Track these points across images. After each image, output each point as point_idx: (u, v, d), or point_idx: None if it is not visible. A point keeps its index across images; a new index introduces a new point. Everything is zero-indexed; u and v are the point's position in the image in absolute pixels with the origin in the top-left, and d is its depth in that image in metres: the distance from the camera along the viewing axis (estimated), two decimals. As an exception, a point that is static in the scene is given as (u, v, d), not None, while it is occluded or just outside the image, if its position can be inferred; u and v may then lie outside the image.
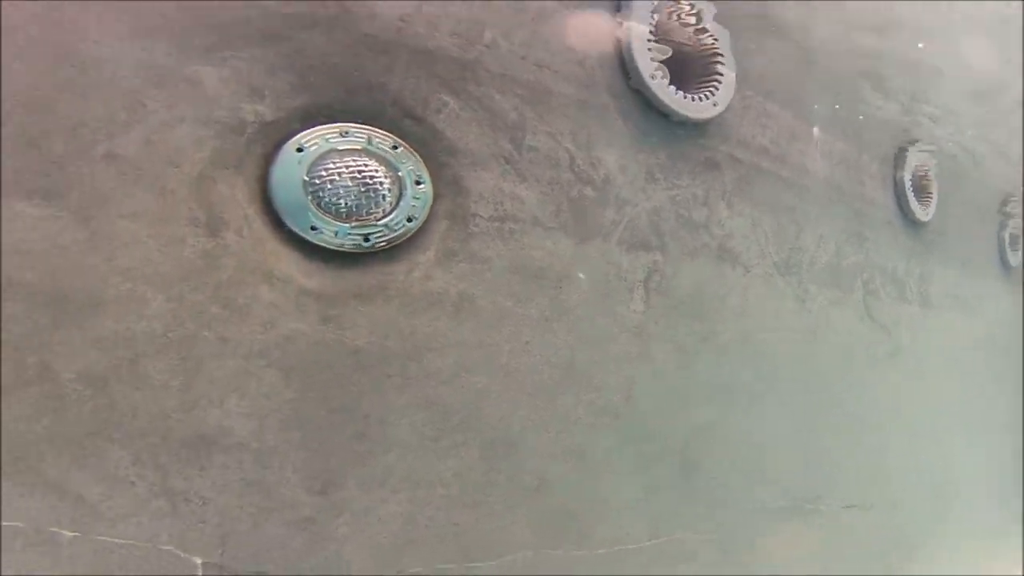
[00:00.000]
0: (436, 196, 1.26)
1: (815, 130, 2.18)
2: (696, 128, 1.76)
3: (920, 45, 2.05)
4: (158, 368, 0.95)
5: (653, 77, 1.56)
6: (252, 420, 1.03)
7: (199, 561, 0.97)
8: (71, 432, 0.89)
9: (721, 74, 1.73)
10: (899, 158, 2.69)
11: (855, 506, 2.30)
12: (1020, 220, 3.60)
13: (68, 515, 0.88)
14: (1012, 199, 3.55)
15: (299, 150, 1.10)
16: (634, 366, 1.59)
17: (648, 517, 1.58)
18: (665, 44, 1.59)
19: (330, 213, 1.13)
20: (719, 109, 1.74)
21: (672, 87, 1.61)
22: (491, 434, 1.31)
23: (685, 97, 1.65)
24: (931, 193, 2.82)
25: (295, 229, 1.09)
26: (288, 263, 1.09)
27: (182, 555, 0.95)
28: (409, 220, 1.21)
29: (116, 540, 0.91)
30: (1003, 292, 3.63)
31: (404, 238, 1.21)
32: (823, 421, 2.19)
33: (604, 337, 1.53)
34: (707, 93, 1.69)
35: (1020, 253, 3.71)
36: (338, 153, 1.14)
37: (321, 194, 1.12)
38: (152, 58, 0.97)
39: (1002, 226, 3.57)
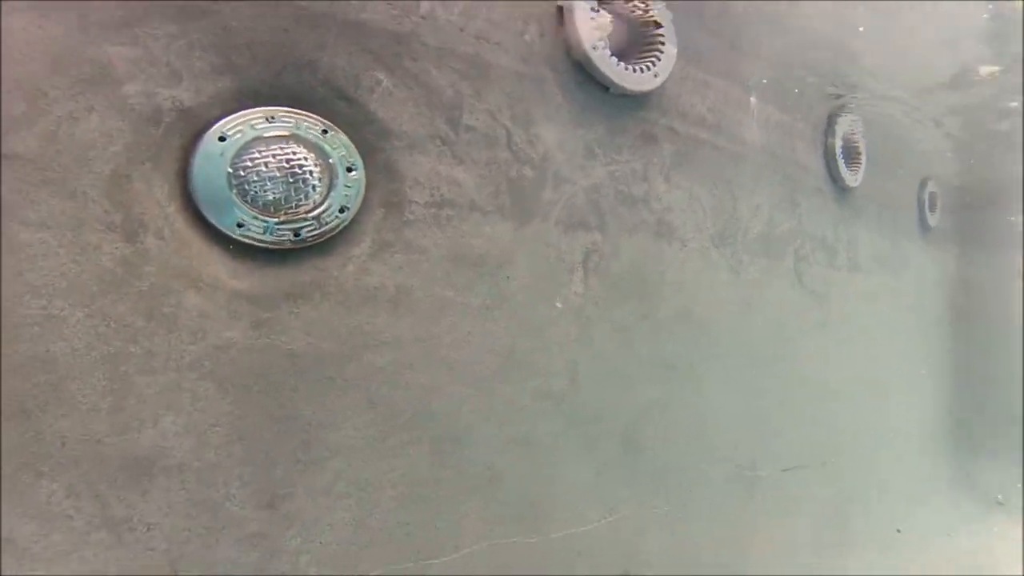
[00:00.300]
0: (369, 183, 1.39)
1: (752, 98, 2.50)
2: (636, 101, 1.99)
3: (860, 29, 2.41)
4: (84, 390, 1.03)
5: (595, 48, 1.76)
6: (190, 437, 1.14)
7: (148, 589, 1.08)
8: (-8, 467, 0.96)
9: (663, 45, 1.95)
10: (830, 124, 3.14)
11: (792, 468, 2.78)
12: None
13: (-4, 557, 0.96)
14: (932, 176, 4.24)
15: (221, 139, 1.18)
16: (576, 349, 1.84)
17: (599, 498, 1.87)
18: (608, 13, 1.78)
19: (257, 207, 1.23)
20: (660, 81, 1.97)
21: (613, 59, 1.81)
22: (438, 430, 1.50)
23: (627, 69, 1.86)
24: (860, 159, 3.32)
25: (220, 227, 1.19)
26: (215, 265, 1.18)
27: (129, 585, 1.06)
28: (342, 211, 1.34)
29: (55, 579, 1.00)
30: (924, 253, 4.35)
31: (337, 231, 1.34)
32: (760, 390, 2.60)
33: (545, 322, 1.76)
34: (648, 64, 1.92)
35: (938, 214, 4.45)
36: (264, 141, 1.23)
37: (247, 187, 1.21)
38: (49, 37, 1.00)
39: (921, 188, 4.25)
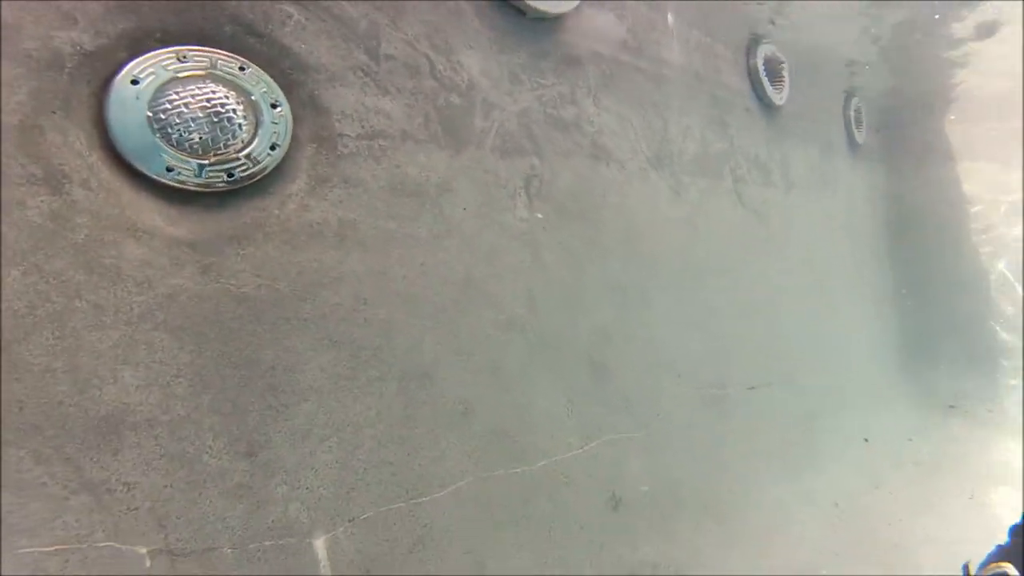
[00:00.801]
0: (296, 119, 1.43)
1: (669, 17, 2.65)
2: (554, 24, 2.09)
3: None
4: (34, 352, 1.04)
5: (503, -32, 1.84)
6: (154, 391, 1.16)
7: (144, 551, 1.11)
8: (-53, 437, 0.96)
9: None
10: (751, 47, 3.34)
11: (757, 387, 2.98)
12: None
13: (-31, 530, 0.97)
14: (856, 93, 4.55)
15: (134, 82, 1.20)
16: (530, 275, 1.93)
17: (575, 425, 1.98)
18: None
19: (184, 151, 1.25)
20: (575, 3, 2.08)
21: (524, -22, 1.90)
22: (403, 365, 1.56)
23: (538, -11, 1.95)
24: (783, 77, 3.54)
25: (149, 173, 1.21)
26: (150, 212, 1.20)
27: (123, 548, 1.09)
28: (272, 148, 1.38)
29: (43, 550, 1.01)
30: (854, 170, 4.69)
31: (270, 168, 1.37)
32: (714, 309, 2.78)
33: (495, 249, 1.84)
34: (559, -17, 2.02)
35: (864, 131, 4.79)
36: (180, 82, 1.26)
37: (170, 130, 1.24)
38: (-73, -15, 1.00)
39: (847, 104, 4.57)
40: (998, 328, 5.03)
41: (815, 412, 3.40)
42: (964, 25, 3.70)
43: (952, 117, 5.04)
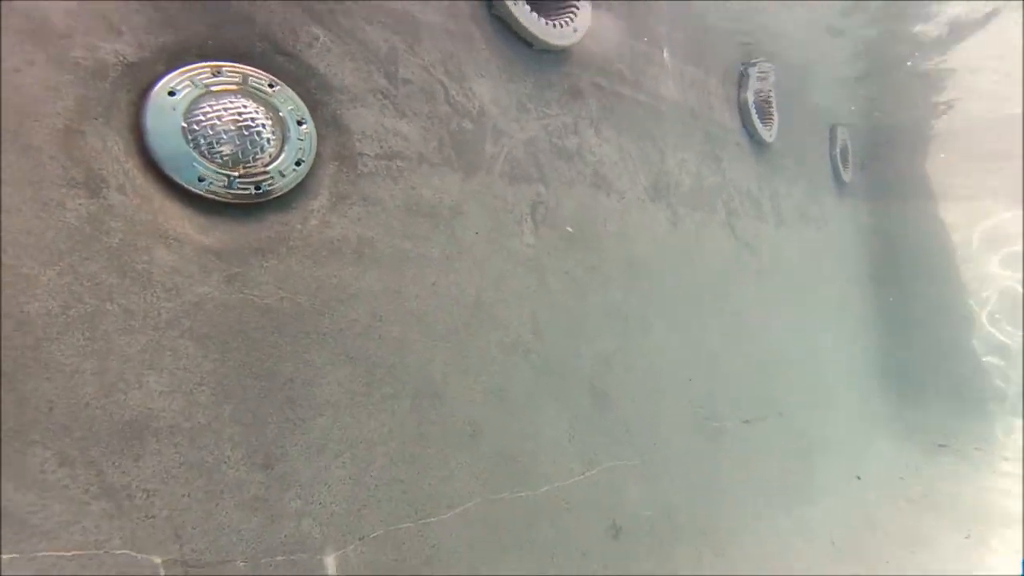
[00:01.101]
0: (320, 137, 1.51)
1: (664, 52, 2.82)
2: (558, 56, 2.22)
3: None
4: (65, 352, 1.08)
5: (515, 3, 1.97)
6: (177, 397, 1.20)
7: (158, 560, 1.13)
8: (-22, 435, 0.99)
9: (577, 3, 2.20)
10: (742, 79, 3.55)
11: (753, 420, 3.07)
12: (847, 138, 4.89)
13: (-6, 530, 0.99)
14: (840, 126, 4.83)
15: (171, 94, 1.27)
16: (535, 300, 2.01)
17: (576, 451, 2.03)
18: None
19: (215, 162, 1.32)
20: (579, 36, 2.22)
21: (534, 14, 2.03)
22: (415, 383, 1.62)
23: (546, 23, 2.09)
24: (772, 115, 3.75)
25: (182, 182, 1.27)
26: (181, 220, 1.26)
27: (139, 557, 1.11)
28: (298, 164, 1.45)
29: (61, 554, 1.04)
30: (841, 207, 4.92)
31: (294, 184, 1.44)
32: (708, 340, 2.88)
33: (503, 273, 1.92)
34: (566, 20, 2.16)
35: (851, 170, 5.05)
36: (214, 95, 1.33)
37: (202, 141, 1.30)
38: (-16, -7, 1.07)
39: (832, 144, 4.83)
40: (986, 365, 5.22)
41: (808, 447, 3.50)
42: (941, 62, 3.97)
43: (942, 155, 5.32)
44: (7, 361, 1.03)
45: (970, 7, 3.22)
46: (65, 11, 1.15)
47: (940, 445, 5.12)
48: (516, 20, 2.01)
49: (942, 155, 5.29)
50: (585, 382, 2.15)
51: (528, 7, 2.05)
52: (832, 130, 4.82)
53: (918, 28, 3.49)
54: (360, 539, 1.43)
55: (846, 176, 4.92)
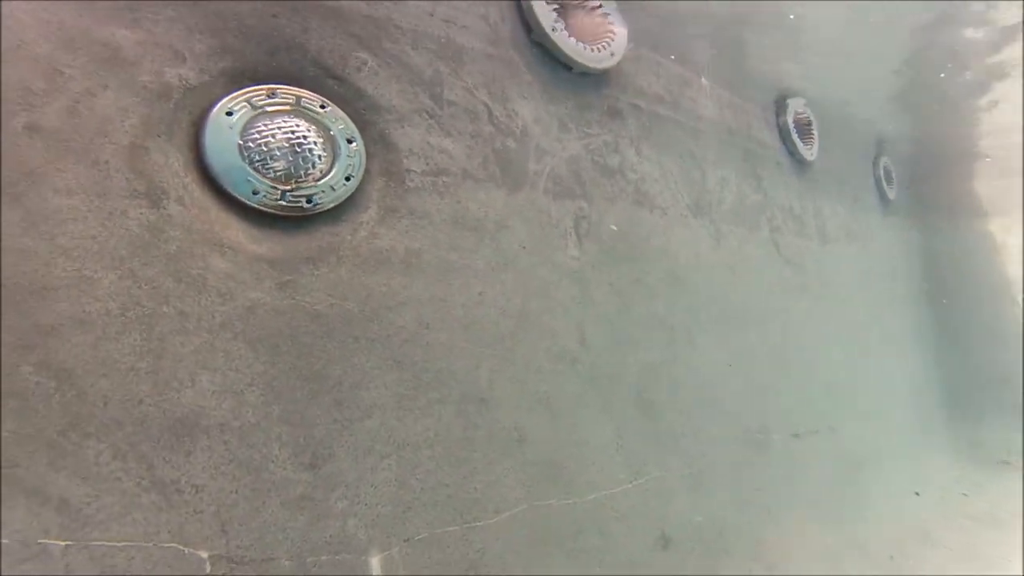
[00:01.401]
0: (369, 154, 1.47)
1: (703, 77, 2.71)
2: (597, 79, 2.15)
3: (791, 16, 2.68)
4: (122, 351, 1.06)
5: (554, 30, 1.92)
6: (228, 397, 1.16)
7: (205, 555, 1.07)
8: (41, 430, 0.96)
9: (613, 26, 2.14)
10: (780, 106, 3.39)
11: (802, 434, 2.84)
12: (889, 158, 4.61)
13: (55, 523, 0.95)
14: (885, 151, 4.56)
15: (229, 114, 1.26)
16: (580, 311, 1.90)
17: (624, 460, 1.89)
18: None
19: (269, 176, 1.29)
20: (616, 59, 2.14)
21: (572, 39, 1.97)
22: (462, 389, 1.53)
23: (585, 48, 2.02)
24: (813, 135, 3.56)
25: (237, 195, 1.24)
26: (235, 230, 1.23)
27: (186, 551, 1.05)
28: (348, 179, 1.41)
29: (113, 544, 0.99)
30: (888, 225, 4.61)
31: (344, 198, 1.41)
32: (755, 353, 2.69)
33: (548, 284, 1.83)
34: (603, 44, 2.09)
35: (895, 188, 4.75)
36: (268, 115, 1.31)
37: (257, 157, 1.28)
38: (59, 20, 1.08)
39: (875, 164, 4.55)
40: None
41: (860, 462, 3.21)
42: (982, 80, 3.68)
43: (987, 158, 4.92)
44: (68, 358, 1.00)
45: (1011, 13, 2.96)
46: (135, 41, 1.16)
47: (1003, 462, 4.66)
48: (555, 45, 1.96)
49: (987, 158, 4.86)
50: (632, 392, 2.02)
51: (567, 33, 1.99)
52: (875, 147, 4.55)
53: (964, 34, 3.25)
54: (405, 541, 1.34)
55: (891, 194, 4.62)
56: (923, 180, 5.14)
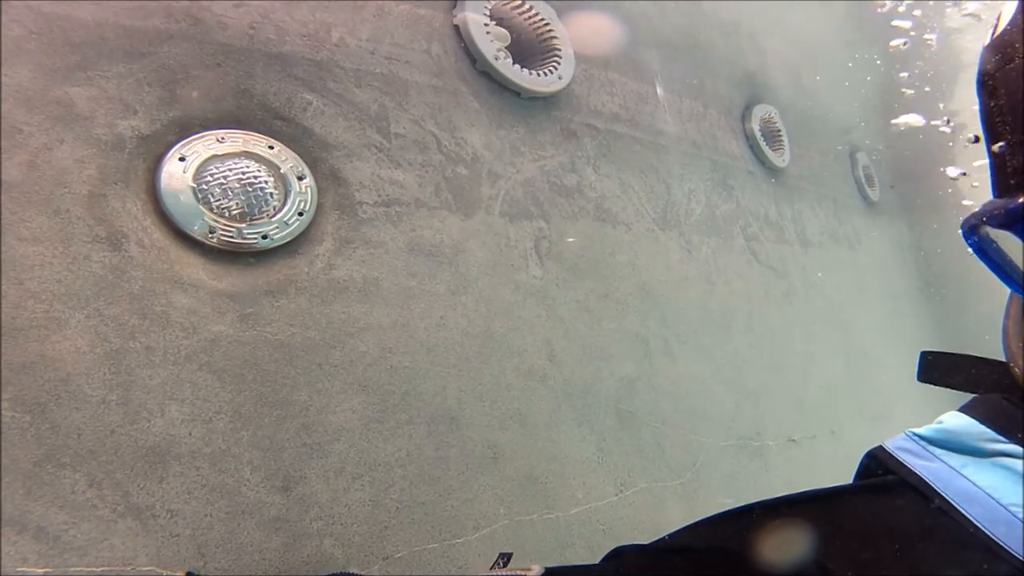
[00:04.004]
0: (320, 189, 1.65)
1: (658, 89, 2.95)
2: (548, 101, 2.37)
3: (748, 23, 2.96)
4: (92, 385, 1.20)
5: (496, 59, 2.14)
6: (198, 424, 1.29)
7: None
8: (17, 461, 1.10)
9: (560, 49, 2.37)
10: (745, 113, 3.64)
11: (800, 438, 2.96)
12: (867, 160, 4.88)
13: (33, 550, 1.08)
14: (858, 151, 4.84)
15: (181, 159, 1.44)
16: (547, 328, 2.06)
17: (607, 472, 2.01)
18: (503, 28, 2.18)
19: (224, 216, 1.47)
20: (565, 82, 2.37)
21: (517, 66, 2.20)
22: (430, 410, 1.67)
23: (531, 74, 2.25)
24: (783, 141, 3.81)
25: (193, 235, 1.41)
26: (195, 268, 1.40)
27: (164, 574, 1.17)
28: (300, 214, 1.59)
29: (91, 569, 1.11)
30: (873, 224, 4.84)
31: (299, 232, 1.58)
32: (740, 361, 2.84)
33: (511, 304, 1.99)
34: (550, 68, 2.32)
35: (878, 189, 5.00)
36: (219, 158, 1.50)
37: (211, 198, 1.46)
38: (17, 83, 1.27)
39: (854, 166, 4.81)
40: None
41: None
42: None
43: (963, 172, 5.21)
44: (41, 393, 1.15)
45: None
46: (88, 97, 1.35)
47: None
48: (501, 74, 2.18)
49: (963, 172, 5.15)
50: (610, 405, 2.15)
51: (511, 61, 2.22)
52: (851, 149, 4.81)
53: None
54: (384, 559, 1.45)
55: (874, 196, 4.86)
56: (907, 179, 5.41)
